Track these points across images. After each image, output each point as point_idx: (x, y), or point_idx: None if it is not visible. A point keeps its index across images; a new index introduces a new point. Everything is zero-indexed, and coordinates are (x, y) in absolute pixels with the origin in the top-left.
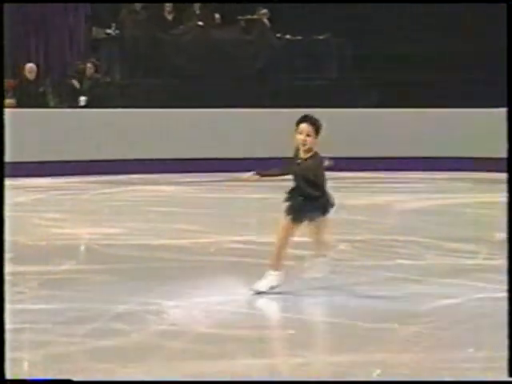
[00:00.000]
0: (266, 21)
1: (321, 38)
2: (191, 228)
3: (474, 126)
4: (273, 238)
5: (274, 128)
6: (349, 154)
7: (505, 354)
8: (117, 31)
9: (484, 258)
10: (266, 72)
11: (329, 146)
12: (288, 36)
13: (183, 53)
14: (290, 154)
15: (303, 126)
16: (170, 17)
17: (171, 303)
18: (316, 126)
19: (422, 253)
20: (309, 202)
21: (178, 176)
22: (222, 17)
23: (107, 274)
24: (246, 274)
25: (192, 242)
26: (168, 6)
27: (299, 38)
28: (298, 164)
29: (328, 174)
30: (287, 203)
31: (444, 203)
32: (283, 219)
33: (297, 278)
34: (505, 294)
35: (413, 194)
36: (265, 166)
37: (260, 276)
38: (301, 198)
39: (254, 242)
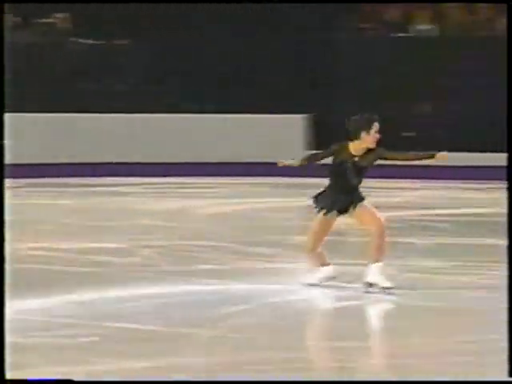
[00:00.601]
0: (63, 25)
1: (121, 43)
2: None
3: (268, 132)
4: (76, 244)
5: (74, 133)
6: (151, 160)
7: (294, 355)
8: None
9: (283, 262)
10: (66, 76)
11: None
12: (89, 41)
13: None
14: (84, 160)
15: (378, 124)
16: None
17: None
18: None
19: (222, 257)
20: (343, 194)
21: None
22: (21, 19)
23: None
24: (47, 281)
25: None
26: None
27: (101, 42)
28: (354, 162)
29: (129, 179)
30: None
31: (243, 208)
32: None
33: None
34: (299, 297)
35: (213, 199)
36: (63, 172)
37: (58, 282)
38: (331, 191)
39: (56, 249)
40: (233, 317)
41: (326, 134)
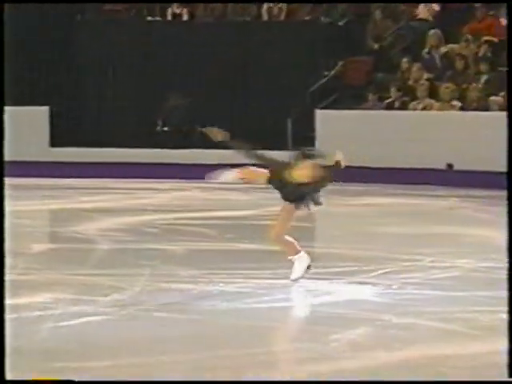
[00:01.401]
0: None
1: None
2: None
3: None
4: None
5: None
6: None
7: None
8: None
9: (19, 273)
10: None
11: None
12: None
13: None
14: None
15: None
16: None
17: None
18: None
19: None
20: None
21: None
22: None
23: None
24: None
25: None
26: None
27: None
28: None
29: None
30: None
31: None
32: None
33: None
34: (43, 312)
35: None
36: None
37: None
38: None
39: None
40: None
41: (66, 126)
